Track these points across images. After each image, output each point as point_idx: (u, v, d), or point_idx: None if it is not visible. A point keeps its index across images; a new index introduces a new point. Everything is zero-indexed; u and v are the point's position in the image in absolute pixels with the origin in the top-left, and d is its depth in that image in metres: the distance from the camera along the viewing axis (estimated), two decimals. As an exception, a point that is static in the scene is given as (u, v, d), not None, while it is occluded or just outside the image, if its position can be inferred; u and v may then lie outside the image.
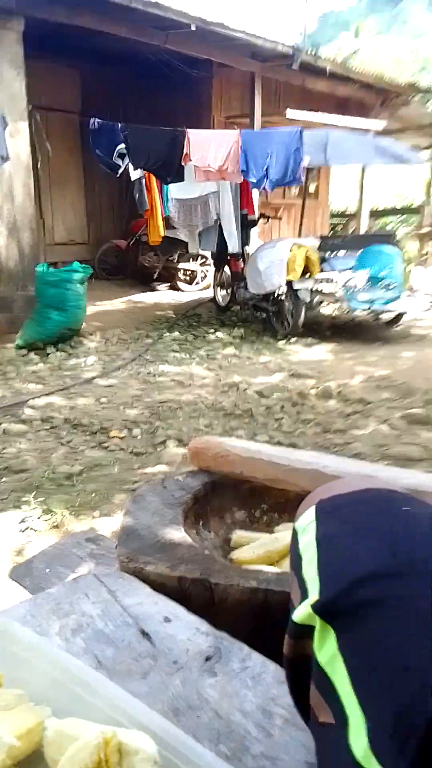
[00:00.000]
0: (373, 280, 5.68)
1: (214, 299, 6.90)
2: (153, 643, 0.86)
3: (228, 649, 0.86)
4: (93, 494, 2.46)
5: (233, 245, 6.06)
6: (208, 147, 5.23)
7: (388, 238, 6.16)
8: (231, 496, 1.38)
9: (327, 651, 0.47)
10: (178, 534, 1.13)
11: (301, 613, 0.50)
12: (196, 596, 0.99)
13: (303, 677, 0.53)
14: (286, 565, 0.80)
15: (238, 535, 1.28)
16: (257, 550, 1.20)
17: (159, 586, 1.00)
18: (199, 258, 8.02)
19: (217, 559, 1.09)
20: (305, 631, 0.49)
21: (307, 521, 0.56)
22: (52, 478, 2.61)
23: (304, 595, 0.51)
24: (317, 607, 0.48)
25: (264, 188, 5.27)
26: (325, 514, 0.55)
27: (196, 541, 1.17)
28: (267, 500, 1.38)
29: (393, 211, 16.95)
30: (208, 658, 0.84)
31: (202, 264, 8.11)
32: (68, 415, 3.37)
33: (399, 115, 11.60)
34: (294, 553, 0.57)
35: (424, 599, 0.42)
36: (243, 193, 6.10)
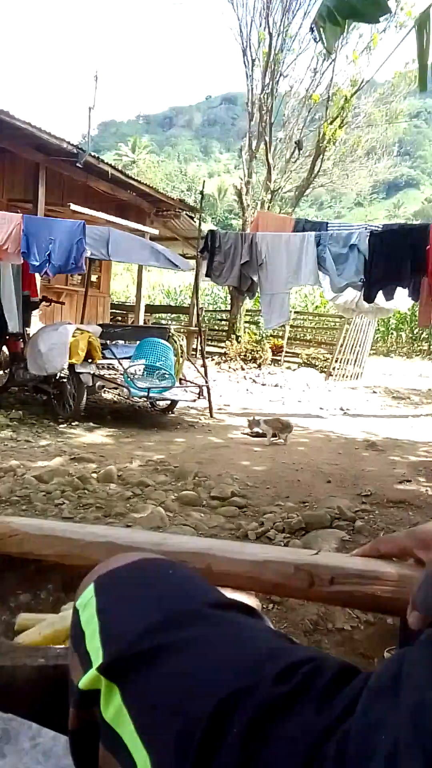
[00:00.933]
0: (150, 370, 6.05)
1: (-11, 379, 6.57)
2: None
3: (16, 729, 0.84)
4: None
5: (14, 325, 5.94)
6: (-11, 226, 5.19)
7: (163, 332, 6.66)
8: (15, 579, 1.34)
9: (113, 707, 0.51)
10: (-42, 620, 1.07)
11: (87, 678, 0.54)
12: (-20, 683, 0.95)
13: (88, 747, 0.56)
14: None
15: (23, 617, 1.25)
16: (44, 630, 1.18)
17: None
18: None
19: (2, 641, 1.06)
20: (91, 697, 0.54)
21: (87, 598, 0.62)
22: None
23: (88, 665, 0.55)
24: (102, 668, 0.53)
25: (46, 272, 5.35)
26: (103, 588, 0.62)
27: (-22, 627, 1.11)
28: (53, 580, 1.37)
29: (166, 308, 18.43)
30: (-5, 742, 0.81)
31: (-24, 342, 7.70)
32: None
33: (170, 225, 12.94)
34: (76, 629, 0.61)
35: (186, 642, 0.52)
36: (25, 274, 6.10)
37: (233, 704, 0.46)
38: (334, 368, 11.20)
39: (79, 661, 0.58)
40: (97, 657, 0.54)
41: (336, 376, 11.14)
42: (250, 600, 1.48)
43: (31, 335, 6.01)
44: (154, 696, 0.49)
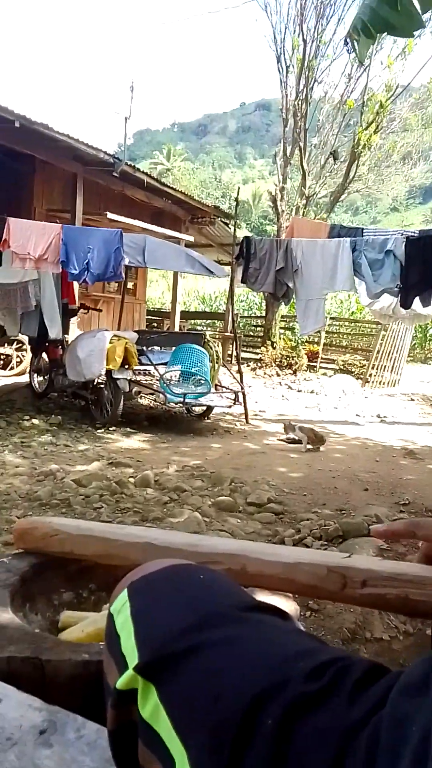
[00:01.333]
0: (185, 375, 6.10)
1: (30, 385, 6.73)
2: (-17, 725, 0.83)
3: (63, 721, 0.87)
4: None
5: (55, 332, 6.08)
6: (30, 236, 5.34)
7: (198, 338, 6.70)
8: (58, 577, 1.38)
9: (150, 706, 0.53)
10: (5, 615, 1.11)
11: (124, 678, 0.56)
12: (26, 675, 0.98)
13: (127, 747, 0.58)
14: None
15: (66, 615, 1.28)
16: (86, 628, 1.21)
17: (-14, 669, 0.97)
18: (15, 343, 7.84)
19: (47, 637, 1.09)
20: (128, 697, 0.56)
21: (121, 603, 0.65)
22: None
23: (124, 667, 0.57)
24: (139, 668, 0.55)
25: (85, 281, 5.47)
26: (137, 592, 0.65)
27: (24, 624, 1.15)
28: (94, 580, 1.40)
29: (201, 315, 18.52)
30: (42, 732, 0.84)
31: (17, 349, 7.92)
32: None
33: (205, 232, 13.05)
34: (111, 634, 0.64)
35: (218, 641, 0.55)
36: (64, 282, 6.24)
37: (266, 700, 0.47)
38: (370, 375, 11.06)
39: (115, 664, 0.60)
40: (132, 658, 0.57)
41: (373, 382, 10.99)
42: (288, 605, 1.48)
43: (69, 342, 6.14)
44: (189, 694, 0.51)
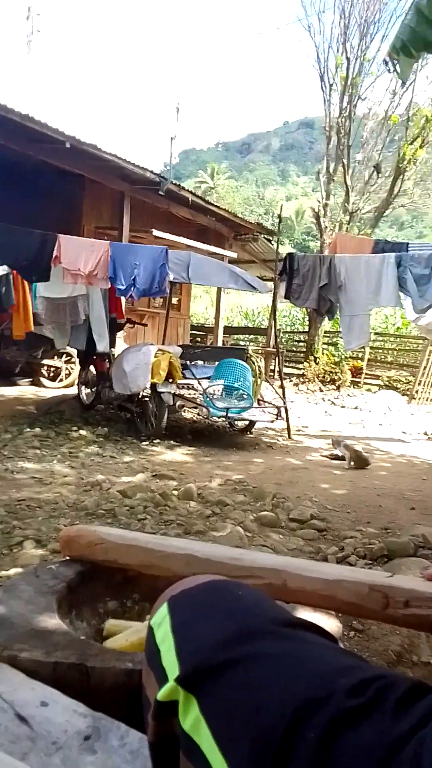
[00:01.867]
0: (228, 390, 6.12)
1: (78, 397, 6.88)
2: (31, 726, 0.85)
3: (107, 728, 0.88)
4: None
5: (103, 346, 6.21)
6: (79, 253, 5.49)
7: (241, 353, 6.72)
8: (103, 586, 1.40)
9: (190, 717, 0.54)
10: (52, 621, 1.14)
11: (165, 690, 0.57)
12: (72, 681, 1.00)
13: (168, 759, 0.59)
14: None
15: (111, 623, 1.30)
16: (130, 637, 1.23)
17: (33, 672, 0.99)
18: (64, 356, 8.06)
19: (92, 644, 1.11)
20: (168, 708, 0.57)
21: (161, 617, 0.66)
22: None
23: (164, 680, 0.58)
24: (180, 679, 0.56)
25: (131, 296, 5.58)
26: (177, 606, 0.66)
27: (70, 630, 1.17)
28: (138, 590, 1.42)
29: (245, 330, 18.55)
30: (87, 737, 0.85)
31: (66, 362, 8.13)
32: None
33: (248, 248, 13.12)
34: (151, 647, 0.65)
35: (258, 655, 0.55)
36: (111, 297, 6.38)
37: (309, 713, 0.48)
38: (417, 391, 10.81)
39: (155, 676, 0.61)
40: (173, 671, 0.58)
41: (419, 399, 10.74)
42: (329, 623, 1.46)
43: (116, 355, 6.25)
44: (231, 705, 0.52)
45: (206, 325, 17.12)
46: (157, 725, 0.59)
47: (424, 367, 10.89)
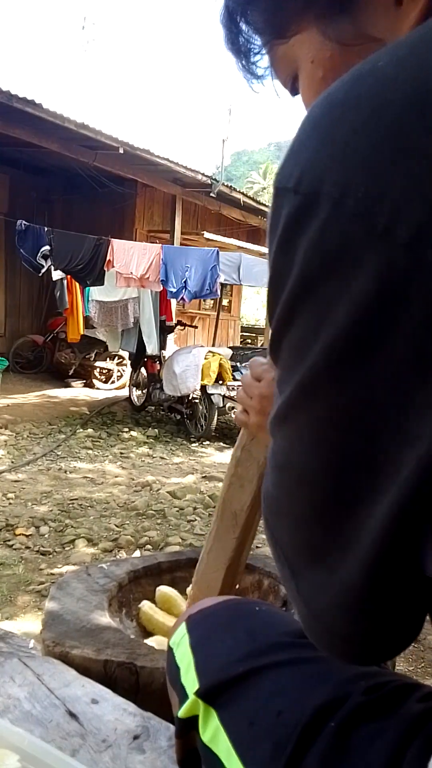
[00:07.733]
0: (279, 391, 6.07)
1: (129, 398, 6.99)
2: (81, 723, 0.87)
3: (156, 728, 0.88)
4: (-5, 594, 2.34)
5: (152, 348, 6.29)
6: (132, 256, 5.58)
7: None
8: (153, 586, 1.41)
9: (210, 729, 0.55)
10: (103, 619, 1.15)
11: (186, 706, 0.58)
12: (121, 679, 1.01)
13: None
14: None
15: (147, 606, 1.31)
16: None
17: (84, 669, 1.01)
18: (116, 358, 8.21)
19: (142, 643, 1.12)
20: (189, 724, 0.58)
21: (180, 636, 0.67)
22: None
23: (185, 697, 0.59)
24: (200, 693, 0.57)
25: (182, 298, 5.62)
26: (195, 625, 0.67)
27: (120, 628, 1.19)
28: (186, 589, 1.42)
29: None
30: (136, 737, 0.86)
31: (118, 364, 8.28)
32: (-29, 509, 3.22)
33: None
34: (171, 667, 0.66)
35: (276, 664, 0.56)
36: (162, 300, 6.45)
37: (328, 711, 0.49)
38: None
39: (177, 695, 0.62)
40: (192, 687, 0.58)
41: None
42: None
43: (166, 358, 6.32)
44: (251, 713, 0.53)
45: (257, 327, 17.07)
46: (181, 742, 0.61)
47: None
